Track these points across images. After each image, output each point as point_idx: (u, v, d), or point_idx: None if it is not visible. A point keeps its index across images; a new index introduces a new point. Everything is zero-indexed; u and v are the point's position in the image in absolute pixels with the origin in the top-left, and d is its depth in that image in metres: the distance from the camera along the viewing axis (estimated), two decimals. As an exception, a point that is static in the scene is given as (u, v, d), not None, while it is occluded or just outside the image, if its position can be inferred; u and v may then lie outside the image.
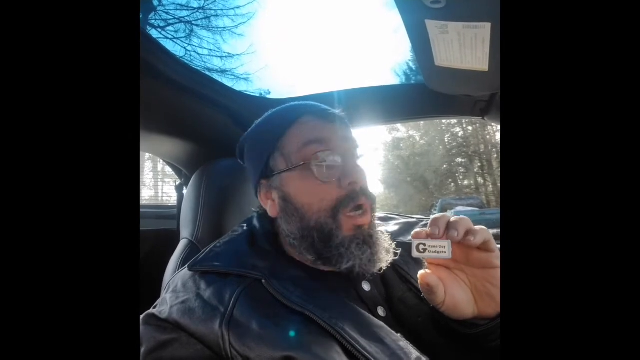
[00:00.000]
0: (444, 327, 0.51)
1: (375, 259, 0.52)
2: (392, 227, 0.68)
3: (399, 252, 0.56)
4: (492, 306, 0.47)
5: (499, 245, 0.48)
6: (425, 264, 0.51)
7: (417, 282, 0.53)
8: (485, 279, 0.47)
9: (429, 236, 0.47)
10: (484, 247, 0.47)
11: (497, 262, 0.47)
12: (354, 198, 0.52)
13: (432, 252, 0.46)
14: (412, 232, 0.48)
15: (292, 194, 0.55)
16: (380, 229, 0.57)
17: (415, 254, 0.46)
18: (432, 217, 0.48)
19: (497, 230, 0.60)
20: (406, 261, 0.59)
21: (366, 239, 0.52)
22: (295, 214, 0.54)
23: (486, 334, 0.47)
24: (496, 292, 0.46)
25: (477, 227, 0.47)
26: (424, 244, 0.46)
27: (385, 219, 0.72)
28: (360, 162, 0.58)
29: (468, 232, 0.46)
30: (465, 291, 0.48)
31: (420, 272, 0.49)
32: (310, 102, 0.61)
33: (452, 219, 0.47)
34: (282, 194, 0.56)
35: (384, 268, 0.53)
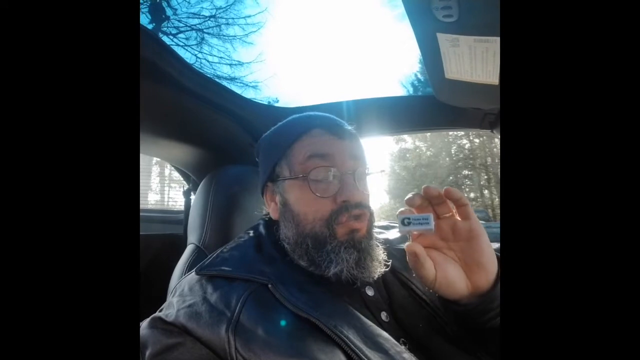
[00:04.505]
0: (446, 332, 0.52)
1: (362, 264, 0.53)
2: (394, 234, 0.69)
3: (389, 264, 0.57)
4: (484, 277, 0.48)
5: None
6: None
7: (417, 287, 0.57)
8: (472, 250, 0.49)
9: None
10: (459, 203, 0.48)
11: (481, 230, 0.49)
12: (348, 209, 0.54)
13: (416, 224, 0.48)
14: (398, 211, 0.50)
15: (291, 201, 0.57)
16: (378, 240, 0.58)
17: (401, 229, 0.48)
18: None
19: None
20: (406, 267, 0.59)
21: (356, 244, 0.53)
22: (292, 221, 0.57)
23: (484, 310, 0.48)
24: (485, 261, 0.48)
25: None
26: (409, 218, 0.48)
27: (386, 228, 0.73)
28: (365, 181, 0.59)
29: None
30: (456, 267, 0.49)
31: (407, 244, 0.49)
32: (325, 115, 0.63)
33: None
34: (283, 199, 0.59)
35: (374, 277, 0.54)
